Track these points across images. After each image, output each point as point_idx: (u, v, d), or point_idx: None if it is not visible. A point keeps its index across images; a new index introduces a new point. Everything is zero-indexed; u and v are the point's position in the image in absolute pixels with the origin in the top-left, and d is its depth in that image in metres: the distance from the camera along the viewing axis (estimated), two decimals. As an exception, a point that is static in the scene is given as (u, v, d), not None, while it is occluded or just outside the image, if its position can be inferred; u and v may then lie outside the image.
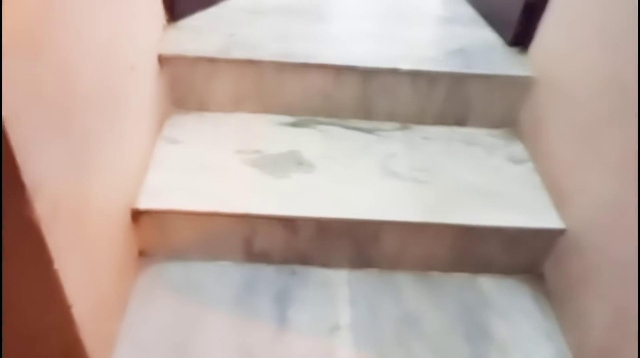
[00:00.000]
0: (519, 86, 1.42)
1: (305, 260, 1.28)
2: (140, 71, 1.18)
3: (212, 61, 1.36)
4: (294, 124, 1.44)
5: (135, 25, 1.13)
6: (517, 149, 1.43)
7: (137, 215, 1.16)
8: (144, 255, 1.26)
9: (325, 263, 1.28)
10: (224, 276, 1.24)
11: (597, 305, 1.08)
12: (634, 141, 1.00)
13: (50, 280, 0.75)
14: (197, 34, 1.42)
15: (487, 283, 1.28)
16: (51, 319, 0.81)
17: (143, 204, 1.16)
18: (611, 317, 1.04)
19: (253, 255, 1.27)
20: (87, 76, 0.85)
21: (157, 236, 1.22)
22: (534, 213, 1.24)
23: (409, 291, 1.24)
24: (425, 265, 1.28)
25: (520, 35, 1.47)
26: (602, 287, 1.07)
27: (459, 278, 1.28)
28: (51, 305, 0.79)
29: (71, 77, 0.79)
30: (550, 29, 1.36)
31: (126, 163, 1.13)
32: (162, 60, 1.34)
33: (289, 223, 1.21)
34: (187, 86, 1.40)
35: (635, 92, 1.01)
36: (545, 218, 1.23)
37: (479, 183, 1.30)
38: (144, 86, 1.24)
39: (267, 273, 1.26)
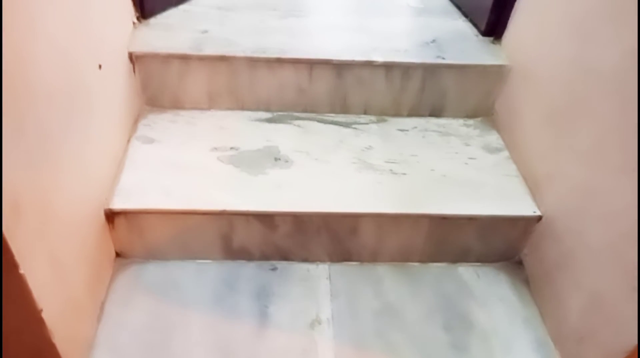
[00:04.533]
0: (493, 76, 1.42)
1: (285, 255, 1.27)
2: (110, 70, 1.16)
3: (184, 57, 1.34)
4: (269, 120, 1.43)
5: (101, 22, 1.11)
6: (493, 138, 1.44)
7: (111, 216, 1.15)
8: (122, 256, 1.24)
9: (306, 258, 1.28)
10: (203, 274, 1.23)
11: (574, 290, 1.09)
12: (602, 126, 1.02)
13: (17, 285, 0.73)
14: (169, 31, 1.41)
15: (466, 272, 1.29)
16: (22, 324, 0.80)
17: (117, 204, 1.14)
18: (587, 301, 1.05)
19: (233, 252, 1.26)
20: (46, 73, 0.83)
21: (133, 236, 1.21)
22: (510, 200, 1.25)
23: (388, 283, 1.25)
24: (404, 256, 1.29)
25: (494, 24, 1.48)
26: (578, 272, 1.08)
27: (437, 268, 1.29)
28: (20, 309, 0.77)
29: (26, 75, 0.77)
30: (522, 17, 1.37)
31: (97, 164, 1.11)
32: (133, 58, 1.32)
33: (266, 219, 1.20)
34: (160, 84, 1.39)
35: (603, 77, 1.02)
36: (521, 205, 1.24)
37: (454, 173, 1.30)
38: (114, 85, 1.22)
39: (247, 269, 1.26)
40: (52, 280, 0.85)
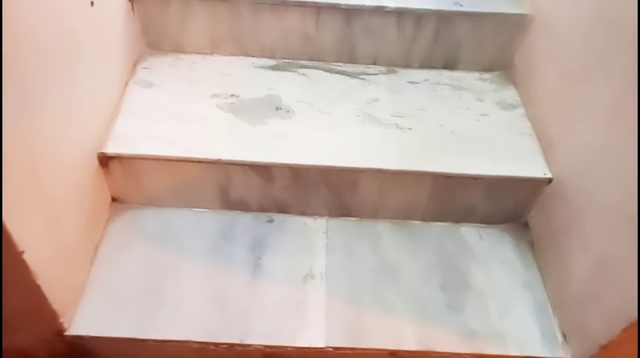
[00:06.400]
0: (514, 25, 1.33)
1: (283, 207, 1.25)
2: (105, 8, 1.11)
3: (185, -2, 1.28)
4: (273, 68, 1.38)
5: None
6: (509, 94, 1.36)
7: (105, 161, 1.13)
8: (119, 202, 1.23)
9: (304, 211, 1.25)
10: (200, 223, 1.22)
11: (580, 253, 1.05)
12: (619, 84, 0.94)
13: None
14: (170, -30, 1.34)
15: (469, 233, 1.24)
16: (4, 267, 0.80)
17: (111, 149, 1.12)
18: (593, 265, 1.00)
19: (230, 202, 1.24)
20: (30, 9, 0.79)
21: (130, 182, 1.19)
22: (520, 161, 1.19)
23: (387, 240, 1.22)
24: (405, 214, 1.25)
25: (519, -31, 1.36)
26: (586, 235, 1.03)
27: (439, 228, 1.25)
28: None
29: (8, 15, 0.73)
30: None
31: (91, 107, 1.08)
32: (132, -3, 1.26)
33: (263, 170, 1.17)
34: (160, 25, 1.33)
35: (623, 31, 0.93)
36: (531, 166, 1.18)
37: (464, 130, 1.24)
38: (110, 25, 1.17)
39: (244, 220, 1.24)
40: (37, 222, 0.84)
